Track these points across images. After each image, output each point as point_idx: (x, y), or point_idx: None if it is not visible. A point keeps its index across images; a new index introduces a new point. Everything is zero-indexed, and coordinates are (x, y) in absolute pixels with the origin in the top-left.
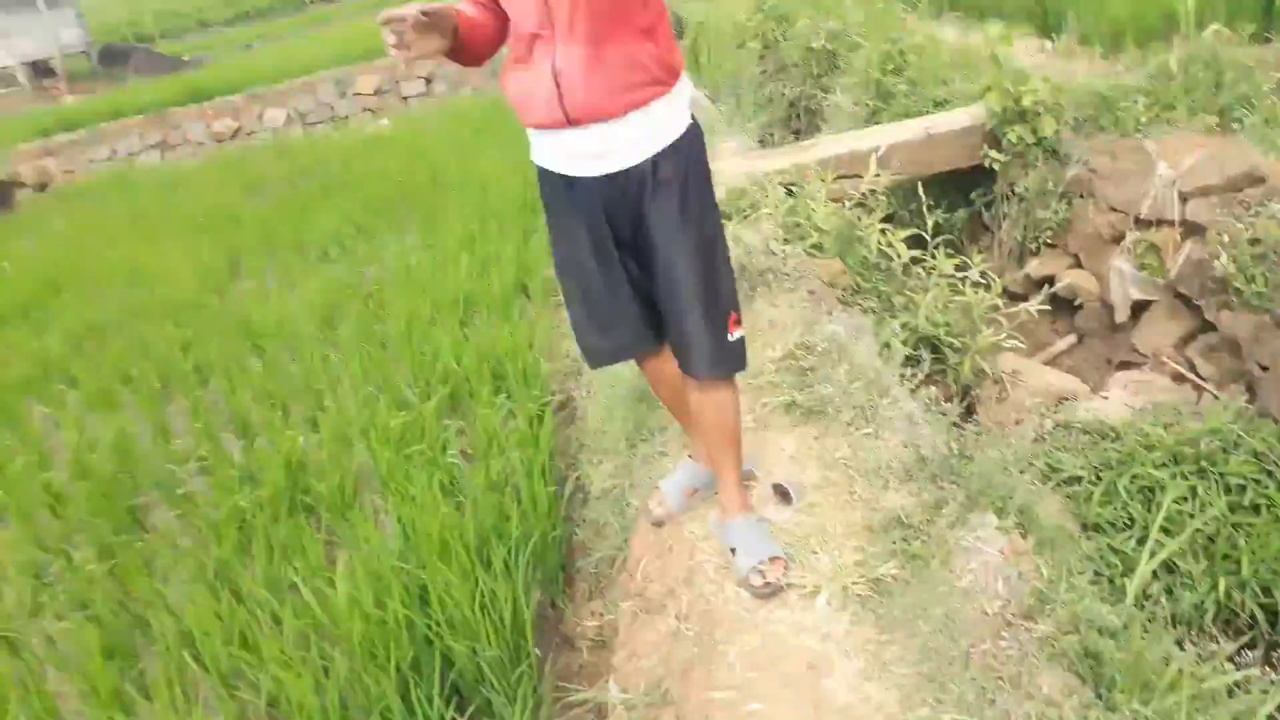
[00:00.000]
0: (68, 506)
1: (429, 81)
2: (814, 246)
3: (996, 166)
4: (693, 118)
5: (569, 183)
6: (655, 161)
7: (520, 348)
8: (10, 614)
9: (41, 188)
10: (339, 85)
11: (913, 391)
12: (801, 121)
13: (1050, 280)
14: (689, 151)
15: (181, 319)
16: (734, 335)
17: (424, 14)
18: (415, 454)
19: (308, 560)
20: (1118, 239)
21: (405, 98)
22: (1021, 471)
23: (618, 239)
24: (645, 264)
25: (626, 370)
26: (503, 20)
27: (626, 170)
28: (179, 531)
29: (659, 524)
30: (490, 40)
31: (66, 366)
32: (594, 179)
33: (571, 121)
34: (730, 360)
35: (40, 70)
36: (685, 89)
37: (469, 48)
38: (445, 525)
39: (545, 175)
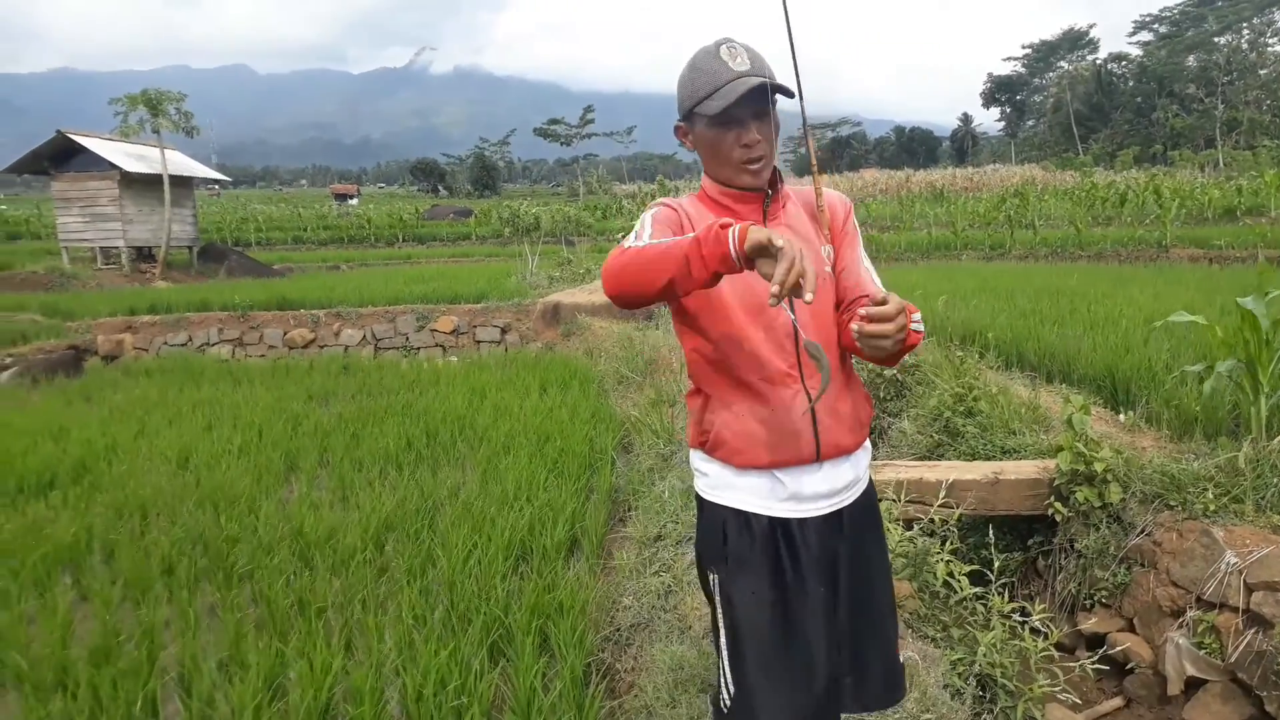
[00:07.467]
0: (82, 691)
1: (504, 331)
2: None
3: (1059, 519)
4: None
5: (784, 528)
6: (865, 493)
7: (569, 607)
8: None
9: (110, 359)
10: (420, 320)
11: None
12: None
13: (1100, 639)
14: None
15: (230, 514)
16: (903, 657)
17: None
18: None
19: None
20: (1177, 613)
21: (479, 342)
22: None
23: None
24: (841, 602)
25: (692, 653)
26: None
27: (844, 507)
28: None
29: None
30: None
31: (106, 542)
32: (817, 520)
33: (820, 458)
34: (903, 683)
35: (142, 254)
36: None
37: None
38: None
39: (743, 523)
